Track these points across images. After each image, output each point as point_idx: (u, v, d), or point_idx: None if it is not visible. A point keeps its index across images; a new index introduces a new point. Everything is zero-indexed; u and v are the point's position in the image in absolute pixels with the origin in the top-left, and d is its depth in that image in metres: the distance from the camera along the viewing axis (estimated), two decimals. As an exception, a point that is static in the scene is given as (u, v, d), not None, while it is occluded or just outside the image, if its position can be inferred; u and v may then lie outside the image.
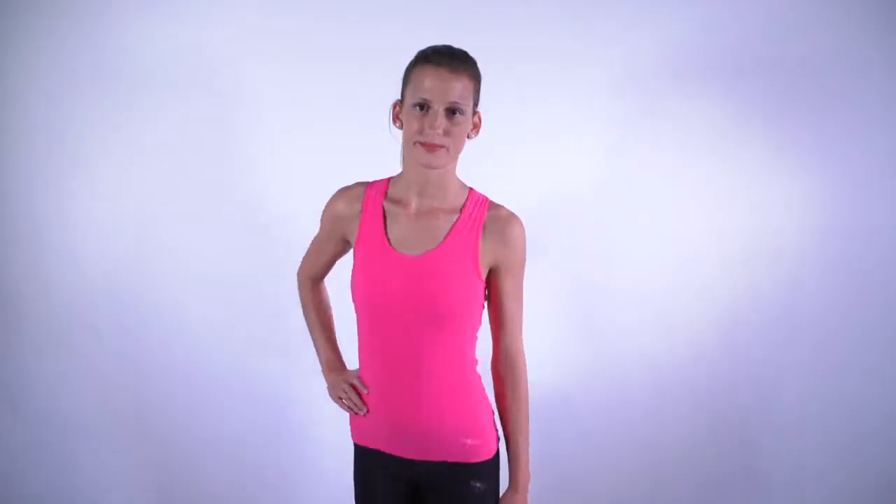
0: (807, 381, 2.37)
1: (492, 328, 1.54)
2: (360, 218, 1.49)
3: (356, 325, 1.51)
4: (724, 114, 2.28)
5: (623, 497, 2.41)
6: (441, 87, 1.36)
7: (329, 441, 2.26)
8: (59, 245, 2.14)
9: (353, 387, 1.54)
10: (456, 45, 1.45)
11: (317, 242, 1.62)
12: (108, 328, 2.18)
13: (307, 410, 2.25)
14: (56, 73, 2.10)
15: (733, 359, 2.36)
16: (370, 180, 1.53)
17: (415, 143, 1.39)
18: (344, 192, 1.54)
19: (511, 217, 1.49)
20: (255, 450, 2.26)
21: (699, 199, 2.31)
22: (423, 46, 1.45)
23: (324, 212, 1.57)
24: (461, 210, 1.47)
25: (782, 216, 2.32)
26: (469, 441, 1.49)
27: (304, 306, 1.69)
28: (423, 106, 1.38)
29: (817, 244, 2.31)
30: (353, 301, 1.49)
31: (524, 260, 1.50)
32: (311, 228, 2.05)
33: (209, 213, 2.17)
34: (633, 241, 2.31)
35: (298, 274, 1.69)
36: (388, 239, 1.45)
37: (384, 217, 1.47)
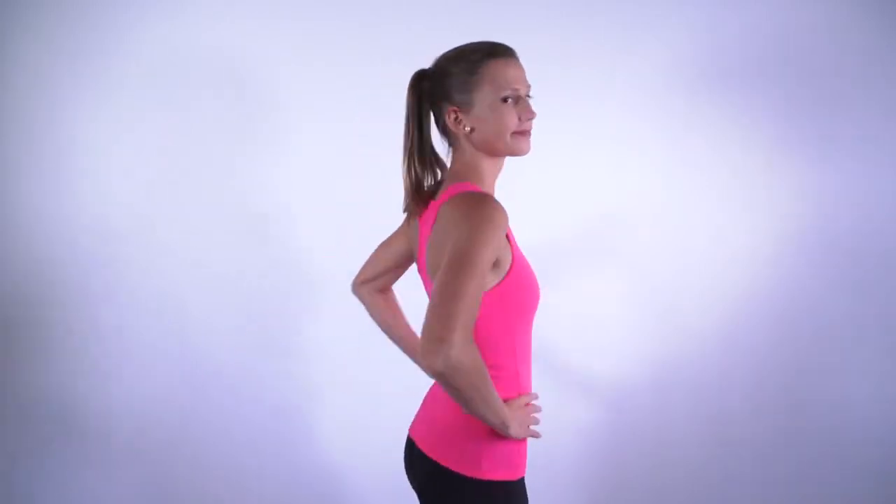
0: (807, 381, 2.37)
1: (397, 274, 1.71)
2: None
3: (509, 341, 1.43)
4: (724, 115, 2.28)
5: (623, 497, 2.41)
6: (521, 75, 1.42)
7: (340, 445, 2.27)
8: (62, 246, 2.14)
9: (530, 403, 1.46)
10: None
11: (482, 278, 1.31)
12: (111, 328, 2.18)
13: (319, 414, 2.25)
14: (59, 72, 2.10)
15: (733, 359, 2.36)
16: (470, 188, 1.44)
17: (512, 135, 1.42)
18: (500, 206, 1.37)
19: None
20: (260, 453, 2.26)
21: (700, 201, 2.31)
22: (444, 47, 1.46)
23: (495, 233, 1.34)
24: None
25: (783, 217, 2.32)
26: None
27: (485, 376, 1.31)
28: (509, 98, 1.41)
29: (819, 244, 2.32)
30: (519, 313, 1.42)
31: None
32: (319, 228, 2.06)
33: (214, 212, 2.17)
34: (633, 241, 2.32)
35: (464, 339, 1.25)
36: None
37: None
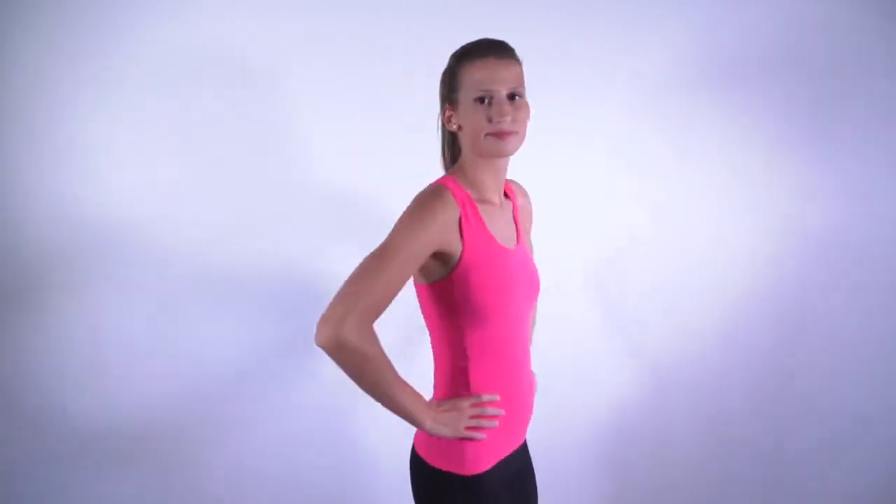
0: (807, 381, 2.38)
1: None
2: (460, 223, 1.41)
3: (456, 341, 1.46)
4: (724, 115, 2.29)
5: (623, 497, 2.41)
6: (498, 75, 1.41)
7: (342, 446, 2.27)
8: (63, 246, 2.14)
9: (481, 404, 1.46)
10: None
11: (399, 267, 1.34)
12: (111, 328, 2.18)
13: (320, 414, 2.26)
14: (59, 72, 2.09)
15: (733, 359, 2.37)
16: (437, 182, 1.49)
17: (485, 136, 1.42)
18: (443, 197, 1.40)
19: (524, 189, 1.69)
20: (260, 453, 2.27)
21: (701, 201, 2.31)
22: (444, 47, 1.48)
23: (419, 224, 1.36)
24: (506, 195, 1.59)
25: (783, 217, 2.32)
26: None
27: (378, 363, 1.35)
28: (485, 98, 1.41)
29: (819, 244, 2.32)
30: (472, 311, 1.42)
31: None
32: (318, 228, 2.05)
33: (215, 212, 2.17)
34: (633, 242, 2.32)
35: (353, 322, 1.30)
36: (494, 237, 1.47)
37: (482, 216, 1.47)
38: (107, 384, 2.18)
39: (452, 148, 1.55)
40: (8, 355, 2.14)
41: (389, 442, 2.05)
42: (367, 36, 2.14)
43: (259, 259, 2.18)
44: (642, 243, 2.32)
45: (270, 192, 2.17)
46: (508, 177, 1.64)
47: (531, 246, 1.79)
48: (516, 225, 1.57)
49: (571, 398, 2.31)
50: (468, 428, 1.44)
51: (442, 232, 1.37)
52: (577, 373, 2.32)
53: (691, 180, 2.30)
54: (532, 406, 1.61)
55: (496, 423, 1.46)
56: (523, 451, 1.62)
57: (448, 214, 1.39)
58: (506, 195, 1.59)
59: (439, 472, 1.47)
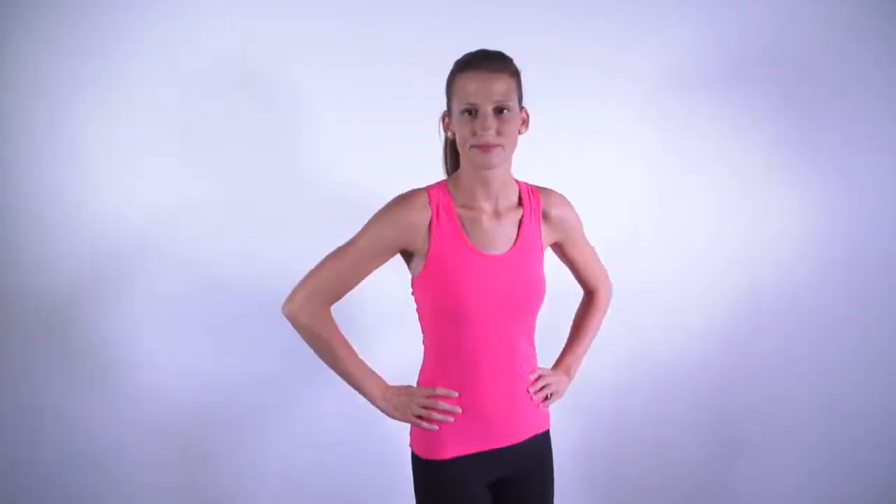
0: (807, 381, 2.38)
1: (578, 276, 1.80)
2: (430, 225, 1.48)
3: (429, 335, 1.55)
4: (724, 115, 2.29)
5: (623, 497, 2.41)
6: (484, 88, 1.43)
7: (346, 447, 2.27)
8: (63, 247, 2.14)
9: (436, 397, 1.52)
10: (468, 45, 1.52)
11: (356, 259, 1.50)
12: (111, 329, 2.18)
13: (324, 415, 2.26)
14: (59, 72, 2.09)
15: (733, 359, 2.37)
16: (422, 186, 1.53)
17: (470, 147, 1.45)
18: (409, 201, 1.49)
19: (560, 198, 1.63)
20: (262, 455, 2.27)
21: (701, 201, 2.31)
22: (444, 47, 1.49)
23: (380, 223, 1.49)
24: (520, 203, 1.57)
25: (783, 217, 2.32)
26: (544, 408, 1.67)
27: (327, 339, 1.53)
28: (471, 111, 1.44)
29: (819, 244, 2.32)
30: (438, 309, 1.50)
31: (581, 223, 1.69)
32: (317, 229, 2.05)
33: (214, 212, 2.17)
34: (633, 241, 2.32)
35: (305, 303, 1.51)
36: (471, 242, 1.50)
37: (460, 221, 1.50)
38: (107, 384, 2.18)
39: (454, 153, 1.57)
40: (8, 356, 2.14)
41: (392, 442, 2.06)
42: (367, 36, 2.14)
43: (259, 259, 2.18)
44: (642, 243, 2.32)
45: (270, 192, 2.17)
46: (536, 183, 1.64)
47: (585, 253, 1.75)
48: (519, 233, 1.55)
49: (571, 398, 2.31)
50: (421, 417, 1.53)
51: (404, 232, 1.48)
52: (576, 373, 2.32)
53: (691, 180, 2.30)
54: (514, 415, 1.58)
55: (451, 418, 1.52)
56: (517, 456, 1.60)
57: (414, 217, 1.47)
58: (520, 203, 1.57)
59: (415, 455, 1.58)
